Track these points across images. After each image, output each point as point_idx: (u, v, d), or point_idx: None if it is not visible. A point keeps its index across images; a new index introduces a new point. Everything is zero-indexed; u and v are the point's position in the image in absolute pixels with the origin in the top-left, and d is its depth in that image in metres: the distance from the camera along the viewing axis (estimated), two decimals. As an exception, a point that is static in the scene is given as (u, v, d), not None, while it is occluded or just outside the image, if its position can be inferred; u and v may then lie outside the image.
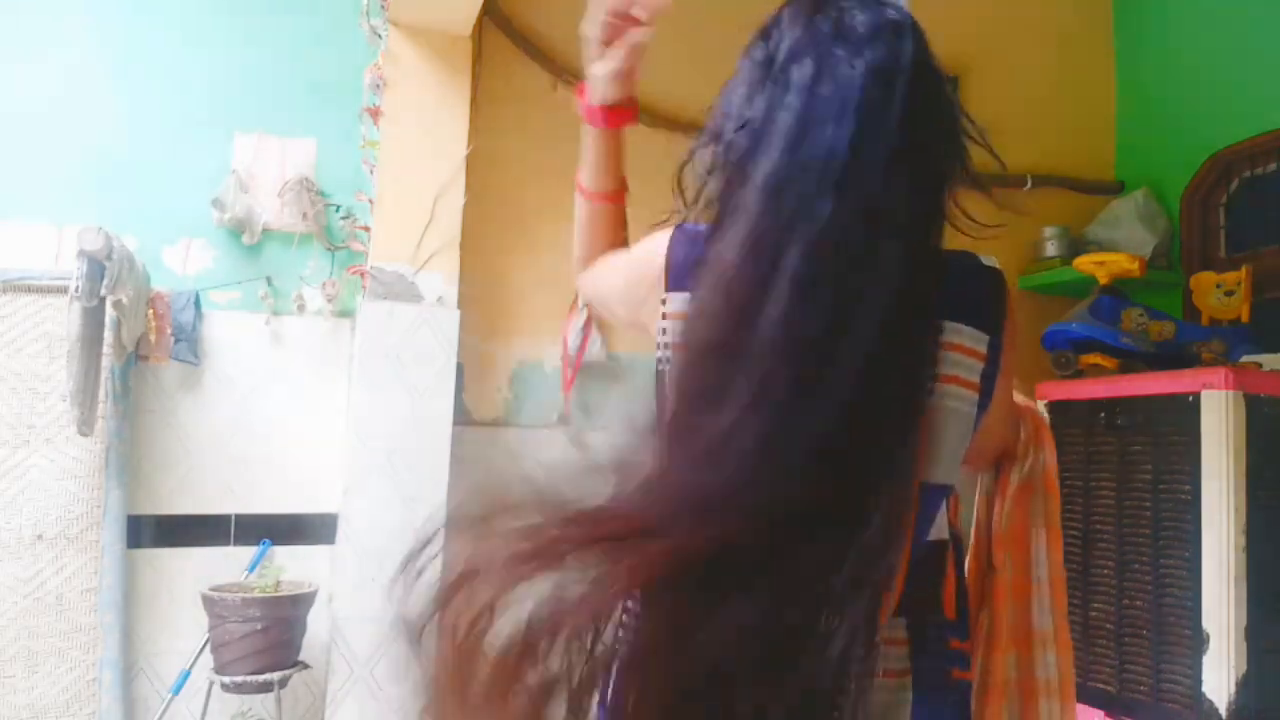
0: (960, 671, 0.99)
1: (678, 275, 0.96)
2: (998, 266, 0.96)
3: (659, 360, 0.98)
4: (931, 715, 0.93)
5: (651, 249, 1.01)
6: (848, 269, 0.80)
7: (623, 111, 1.11)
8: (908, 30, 0.90)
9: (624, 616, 0.81)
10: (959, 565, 1.04)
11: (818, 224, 0.80)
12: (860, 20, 0.88)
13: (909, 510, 0.87)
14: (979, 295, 0.92)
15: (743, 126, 0.88)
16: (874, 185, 0.81)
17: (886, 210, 0.82)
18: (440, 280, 2.54)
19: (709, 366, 0.82)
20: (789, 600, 0.77)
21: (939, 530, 0.98)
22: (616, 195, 1.16)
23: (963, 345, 0.90)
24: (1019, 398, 1.12)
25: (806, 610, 0.77)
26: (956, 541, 1.04)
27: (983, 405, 0.92)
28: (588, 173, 1.15)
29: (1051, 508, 1.14)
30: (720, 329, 0.82)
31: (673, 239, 0.99)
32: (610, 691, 0.80)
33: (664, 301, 0.97)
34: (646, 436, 0.85)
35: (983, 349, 0.91)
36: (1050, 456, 1.15)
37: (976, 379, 0.91)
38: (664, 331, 0.97)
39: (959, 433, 0.92)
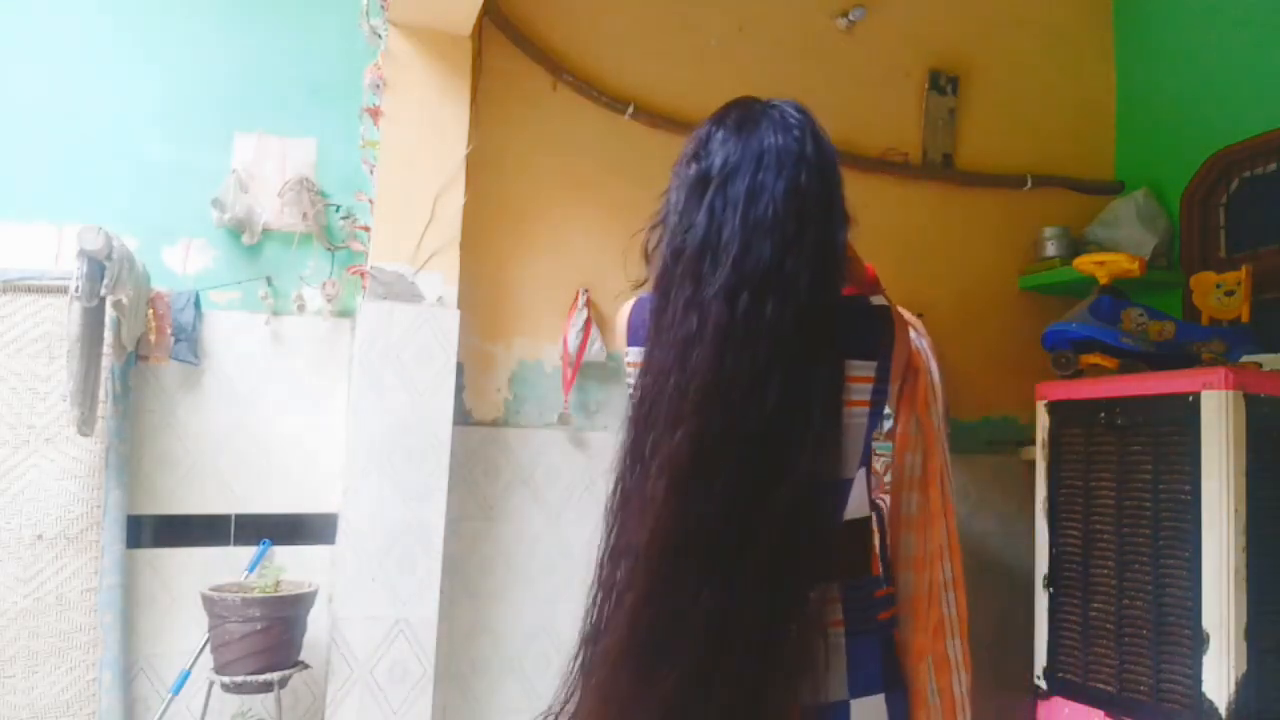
0: (884, 613, 1.28)
1: (633, 333, 1.30)
2: (883, 303, 1.26)
3: (630, 397, 1.27)
4: (862, 648, 1.22)
5: (622, 314, 1.35)
6: (780, 347, 1.10)
7: None
8: (818, 140, 1.18)
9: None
10: (882, 531, 1.35)
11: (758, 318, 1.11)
12: (778, 144, 1.15)
13: (822, 507, 1.17)
14: (866, 331, 1.22)
15: (688, 230, 1.15)
16: (798, 283, 1.11)
17: (797, 296, 1.12)
18: (440, 280, 2.54)
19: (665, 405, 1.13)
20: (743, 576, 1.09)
21: (860, 509, 1.26)
22: None
23: (857, 375, 1.20)
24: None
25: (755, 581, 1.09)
26: (879, 513, 1.34)
27: (873, 414, 1.22)
28: None
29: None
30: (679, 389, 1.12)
31: (632, 307, 1.33)
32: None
33: (626, 354, 1.32)
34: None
35: (870, 373, 1.21)
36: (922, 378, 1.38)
37: (868, 398, 1.21)
38: (629, 376, 1.31)
39: (859, 439, 1.22)
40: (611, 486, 1.20)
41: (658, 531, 1.10)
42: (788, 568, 1.11)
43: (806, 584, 1.14)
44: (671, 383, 1.12)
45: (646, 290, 1.28)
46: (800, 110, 1.21)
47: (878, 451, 1.44)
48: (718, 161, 1.17)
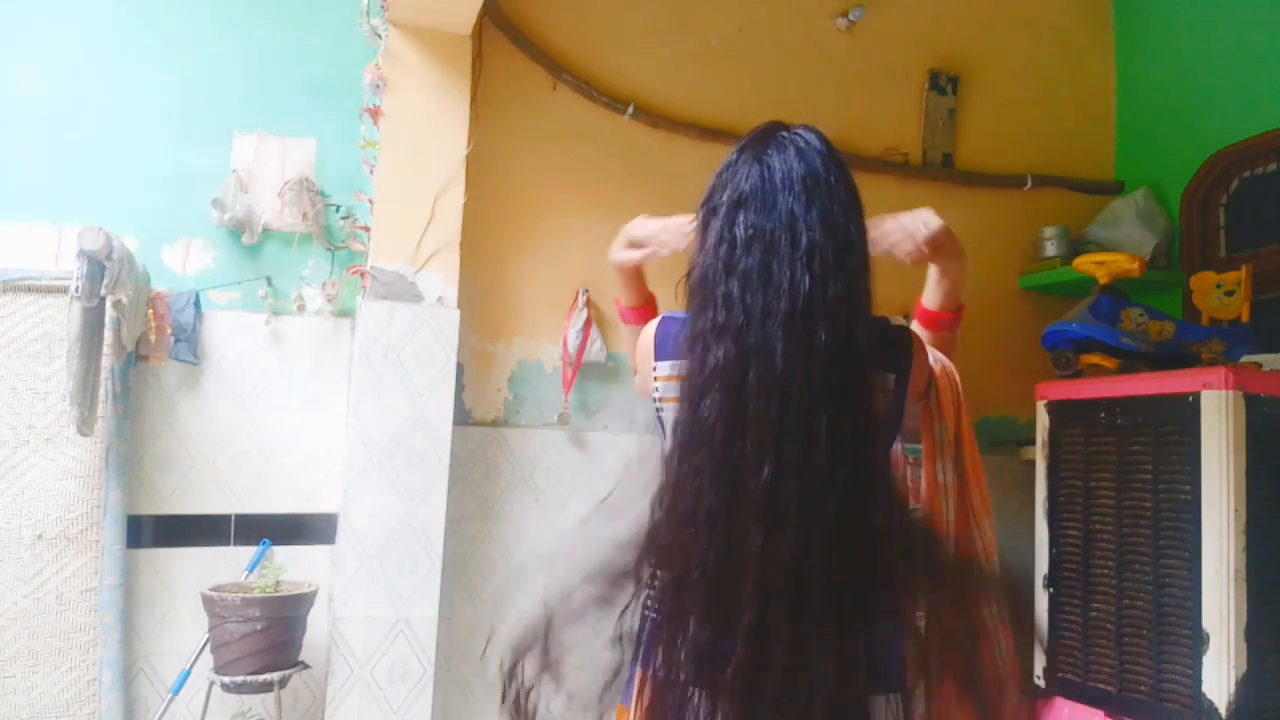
0: None
1: (661, 349, 1.35)
2: (903, 324, 1.35)
3: (656, 410, 1.36)
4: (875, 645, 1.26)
5: (648, 332, 1.39)
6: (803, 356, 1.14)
7: (642, 311, 1.59)
8: (840, 166, 1.23)
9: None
10: None
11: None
12: (803, 170, 1.20)
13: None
14: (888, 348, 1.30)
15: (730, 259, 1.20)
16: (841, 307, 1.16)
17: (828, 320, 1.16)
18: (440, 280, 2.54)
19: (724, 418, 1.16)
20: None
21: None
22: (644, 309, 1.60)
23: (880, 386, 1.27)
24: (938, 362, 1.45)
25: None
26: None
27: (888, 424, 1.30)
28: (624, 298, 1.62)
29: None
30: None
31: (659, 324, 1.38)
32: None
33: (655, 368, 1.35)
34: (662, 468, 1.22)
35: (891, 385, 1.29)
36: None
37: (886, 408, 1.28)
38: (656, 388, 1.35)
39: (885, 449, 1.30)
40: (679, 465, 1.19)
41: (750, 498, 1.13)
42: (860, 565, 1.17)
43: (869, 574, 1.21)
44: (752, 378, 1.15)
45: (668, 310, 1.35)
46: (819, 136, 1.25)
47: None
48: (746, 187, 1.21)
